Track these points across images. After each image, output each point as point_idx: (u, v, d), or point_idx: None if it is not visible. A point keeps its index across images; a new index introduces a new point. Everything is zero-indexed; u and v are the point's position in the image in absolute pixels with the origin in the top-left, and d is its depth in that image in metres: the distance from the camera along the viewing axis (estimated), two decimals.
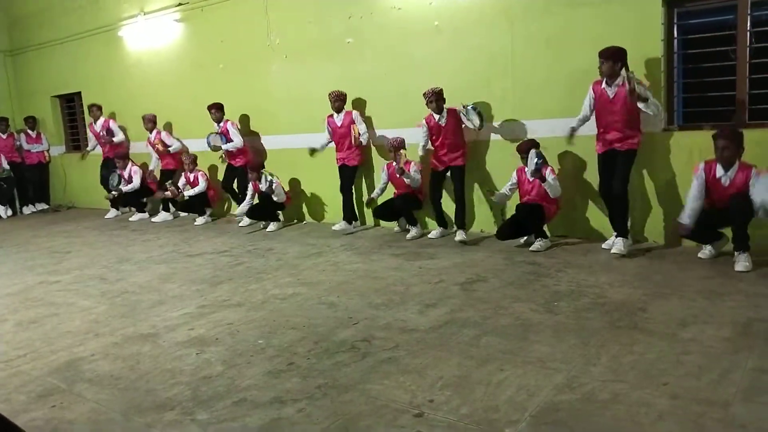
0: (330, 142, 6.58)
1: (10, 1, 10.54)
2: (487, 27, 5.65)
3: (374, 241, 5.95)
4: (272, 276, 4.82)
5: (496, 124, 5.72)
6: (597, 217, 5.34)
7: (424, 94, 5.54)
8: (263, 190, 6.76)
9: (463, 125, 5.59)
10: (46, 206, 10.48)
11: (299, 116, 7.13)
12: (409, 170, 5.92)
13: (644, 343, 3.00)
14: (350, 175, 6.53)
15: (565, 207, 5.29)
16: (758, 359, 2.73)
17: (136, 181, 8.33)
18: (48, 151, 10.36)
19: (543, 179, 4.97)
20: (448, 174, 5.74)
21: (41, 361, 3.28)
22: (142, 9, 8.43)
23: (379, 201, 6.48)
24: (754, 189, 4.07)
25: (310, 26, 6.85)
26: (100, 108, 8.91)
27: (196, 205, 7.75)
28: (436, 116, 5.58)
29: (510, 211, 5.62)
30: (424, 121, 5.66)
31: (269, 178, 6.69)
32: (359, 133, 6.31)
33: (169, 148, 8.16)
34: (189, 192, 7.67)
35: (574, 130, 4.97)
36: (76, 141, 10.55)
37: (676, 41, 4.97)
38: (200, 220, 7.75)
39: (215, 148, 7.43)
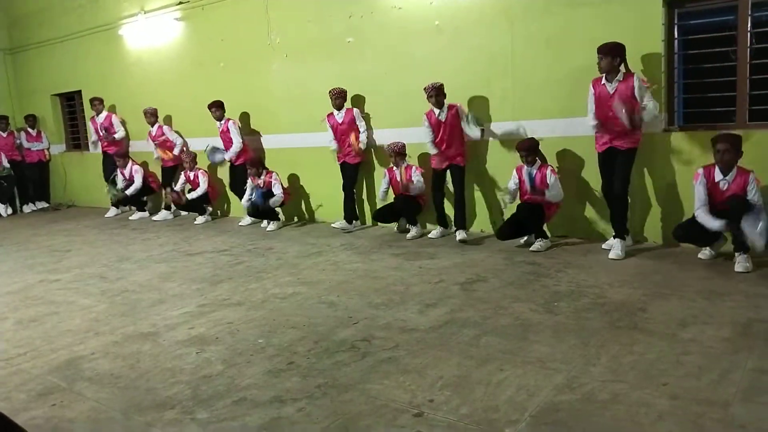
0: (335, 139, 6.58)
1: None
2: (487, 27, 5.65)
3: (374, 241, 5.95)
4: (272, 275, 4.82)
5: (495, 124, 5.73)
6: (597, 217, 5.34)
7: (424, 89, 5.55)
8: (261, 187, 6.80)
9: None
10: (46, 205, 10.48)
11: (299, 115, 7.13)
12: (410, 175, 5.93)
13: (644, 343, 3.00)
14: (352, 173, 6.52)
15: (565, 207, 5.29)
16: (758, 359, 2.74)
17: (138, 181, 8.33)
18: (48, 149, 10.36)
19: (544, 194, 4.99)
20: (449, 173, 5.75)
21: (41, 359, 3.28)
22: (142, 7, 8.43)
23: (379, 204, 6.49)
24: (744, 225, 4.03)
25: (311, 25, 6.84)
26: (101, 101, 8.91)
27: (197, 204, 7.76)
28: (436, 111, 5.58)
29: (510, 211, 5.61)
30: (425, 117, 5.67)
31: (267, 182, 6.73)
32: (359, 141, 6.32)
33: (174, 151, 8.16)
34: (191, 195, 7.67)
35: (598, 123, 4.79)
36: (76, 139, 10.54)
37: (676, 42, 4.97)
38: (200, 219, 7.75)
39: (222, 162, 7.42)
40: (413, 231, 5.99)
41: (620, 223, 4.80)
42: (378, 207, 6.42)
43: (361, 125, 6.44)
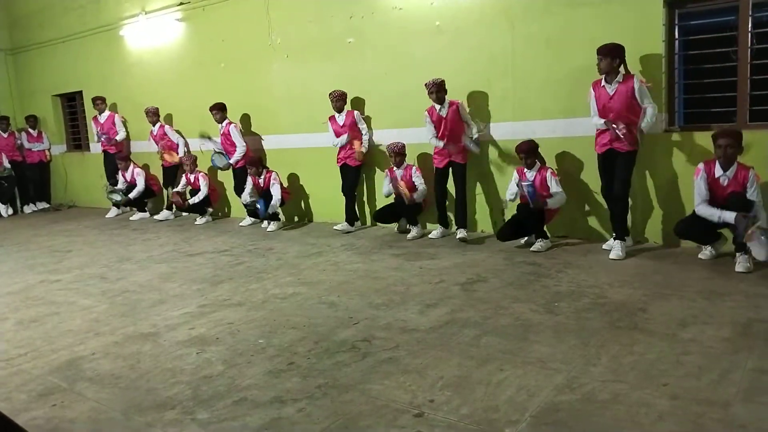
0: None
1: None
2: (487, 27, 5.65)
3: (375, 241, 5.95)
4: (273, 275, 4.82)
5: (494, 125, 5.73)
6: (597, 217, 5.34)
7: (425, 85, 5.56)
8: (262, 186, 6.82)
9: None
10: (46, 205, 10.49)
11: (300, 116, 7.14)
12: (410, 175, 5.94)
13: (644, 343, 3.00)
14: (353, 176, 6.52)
15: (566, 207, 5.28)
16: (758, 360, 2.74)
17: (141, 184, 8.35)
18: (49, 150, 10.37)
19: (545, 204, 5.00)
20: (450, 172, 5.75)
21: (42, 359, 3.28)
22: (143, 8, 8.44)
23: (380, 205, 6.49)
24: (752, 246, 4.05)
25: (311, 26, 6.85)
26: (104, 101, 8.91)
27: (198, 206, 7.76)
28: (437, 107, 5.59)
29: (511, 211, 5.61)
30: (427, 113, 5.67)
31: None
32: (362, 146, 6.32)
33: (178, 153, 8.16)
34: (193, 199, 7.67)
35: (610, 122, 4.69)
36: (77, 140, 10.55)
37: (677, 42, 4.97)
38: (201, 220, 7.76)
39: (226, 167, 7.42)
40: (414, 231, 6.00)
41: (621, 224, 4.80)
42: (378, 207, 6.43)
43: (363, 128, 6.44)
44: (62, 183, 10.61)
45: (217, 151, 7.44)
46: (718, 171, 4.26)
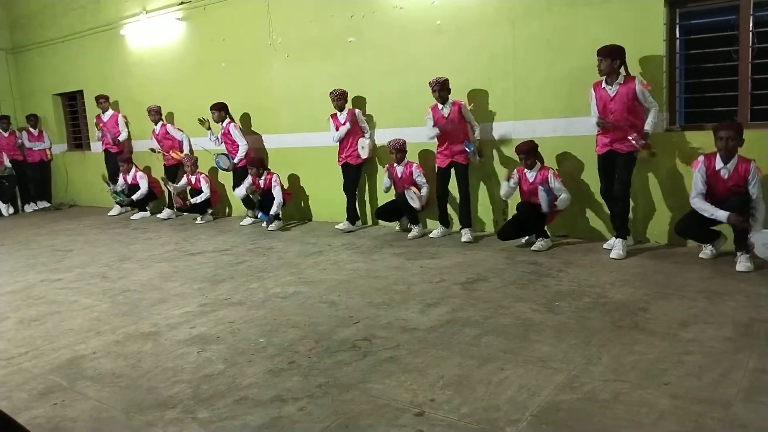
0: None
1: None
2: (488, 27, 5.65)
3: (375, 240, 5.95)
4: (273, 275, 4.82)
5: (496, 124, 5.73)
6: (598, 217, 5.34)
7: (429, 83, 5.56)
8: (262, 186, 6.81)
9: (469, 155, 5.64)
10: (47, 204, 10.50)
11: (300, 115, 7.14)
12: (410, 171, 5.94)
13: (645, 342, 3.00)
14: (354, 174, 6.52)
15: (566, 207, 5.28)
16: (759, 359, 2.73)
17: (144, 187, 8.36)
18: (50, 149, 10.37)
19: (555, 207, 5.01)
20: (453, 173, 5.74)
21: (43, 358, 3.28)
22: (143, 7, 8.43)
23: (381, 202, 6.49)
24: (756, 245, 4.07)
25: (312, 25, 6.85)
26: (107, 99, 8.91)
27: (198, 204, 7.76)
28: (440, 106, 5.59)
29: (511, 211, 5.61)
30: (430, 111, 5.67)
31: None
32: (363, 147, 6.33)
33: (182, 150, 8.16)
34: (195, 199, 7.66)
35: (602, 121, 4.73)
36: (78, 139, 10.56)
37: (678, 41, 4.96)
38: (201, 219, 7.76)
39: (230, 168, 7.42)
40: (415, 230, 6.00)
41: (622, 223, 4.80)
42: (380, 205, 6.42)
43: (364, 126, 6.44)
44: (63, 182, 10.61)
45: (221, 153, 7.44)
46: (718, 164, 4.26)
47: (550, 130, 5.40)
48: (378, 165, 6.64)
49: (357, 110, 6.44)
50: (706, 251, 4.56)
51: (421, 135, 5.87)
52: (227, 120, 7.34)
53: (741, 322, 3.21)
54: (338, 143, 6.48)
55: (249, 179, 6.97)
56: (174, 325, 3.72)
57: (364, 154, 6.37)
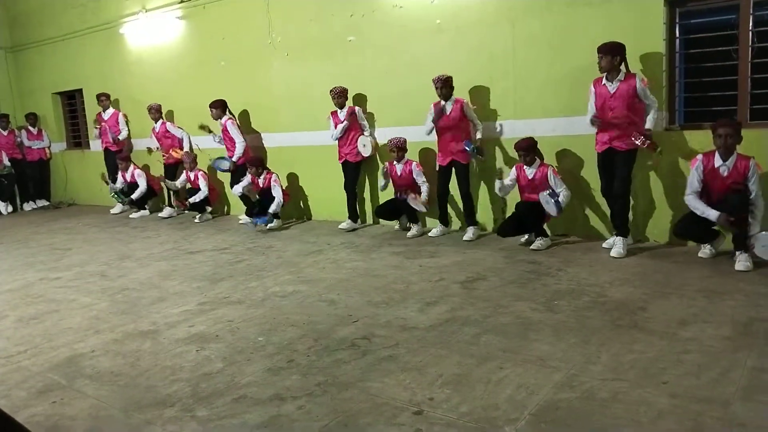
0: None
1: None
2: (488, 26, 5.65)
3: (375, 239, 5.95)
4: (272, 273, 4.82)
5: (497, 123, 5.73)
6: (597, 216, 5.34)
7: (432, 80, 5.57)
8: (261, 186, 6.81)
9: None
10: (46, 203, 10.49)
11: (300, 114, 7.13)
12: (410, 170, 5.94)
13: (644, 342, 3.00)
14: (353, 172, 6.52)
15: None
16: (758, 358, 2.74)
17: (143, 185, 8.36)
18: (49, 147, 10.37)
19: (560, 209, 5.00)
20: (454, 172, 5.74)
21: (42, 357, 3.28)
22: (143, 6, 8.43)
23: (381, 200, 6.49)
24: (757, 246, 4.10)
25: (312, 24, 6.84)
26: (108, 97, 8.90)
27: (197, 203, 7.75)
28: (443, 103, 5.59)
29: (510, 210, 5.61)
30: (432, 107, 5.66)
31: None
32: (365, 146, 6.32)
33: (183, 148, 8.16)
34: (193, 198, 7.66)
35: (596, 119, 4.74)
36: (77, 138, 10.55)
37: (678, 41, 4.96)
38: (200, 218, 7.75)
39: (230, 169, 7.41)
40: (414, 229, 6.00)
41: (622, 221, 4.79)
42: (380, 203, 6.42)
43: (364, 124, 6.44)
44: (62, 181, 10.61)
45: (216, 157, 7.43)
46: (717, 161, 4.26)
47: (550, 130, 5.40)
48: (379, 163, 6.64)
49: (357, 108, 6.44)
50: (705, 251, 4.56)
51: (421, 134, 5.87)
52: (226, 117, 7.33)
53: (740, 321, 3.21)
54: (338, 141, 6.48)
55: (248, 178, 6.97)
56: (173, 323, 3.72)
57: (366, 152, 6.37)
